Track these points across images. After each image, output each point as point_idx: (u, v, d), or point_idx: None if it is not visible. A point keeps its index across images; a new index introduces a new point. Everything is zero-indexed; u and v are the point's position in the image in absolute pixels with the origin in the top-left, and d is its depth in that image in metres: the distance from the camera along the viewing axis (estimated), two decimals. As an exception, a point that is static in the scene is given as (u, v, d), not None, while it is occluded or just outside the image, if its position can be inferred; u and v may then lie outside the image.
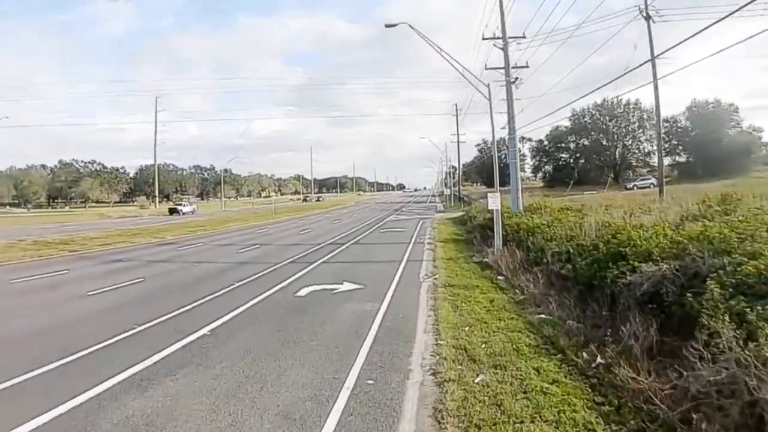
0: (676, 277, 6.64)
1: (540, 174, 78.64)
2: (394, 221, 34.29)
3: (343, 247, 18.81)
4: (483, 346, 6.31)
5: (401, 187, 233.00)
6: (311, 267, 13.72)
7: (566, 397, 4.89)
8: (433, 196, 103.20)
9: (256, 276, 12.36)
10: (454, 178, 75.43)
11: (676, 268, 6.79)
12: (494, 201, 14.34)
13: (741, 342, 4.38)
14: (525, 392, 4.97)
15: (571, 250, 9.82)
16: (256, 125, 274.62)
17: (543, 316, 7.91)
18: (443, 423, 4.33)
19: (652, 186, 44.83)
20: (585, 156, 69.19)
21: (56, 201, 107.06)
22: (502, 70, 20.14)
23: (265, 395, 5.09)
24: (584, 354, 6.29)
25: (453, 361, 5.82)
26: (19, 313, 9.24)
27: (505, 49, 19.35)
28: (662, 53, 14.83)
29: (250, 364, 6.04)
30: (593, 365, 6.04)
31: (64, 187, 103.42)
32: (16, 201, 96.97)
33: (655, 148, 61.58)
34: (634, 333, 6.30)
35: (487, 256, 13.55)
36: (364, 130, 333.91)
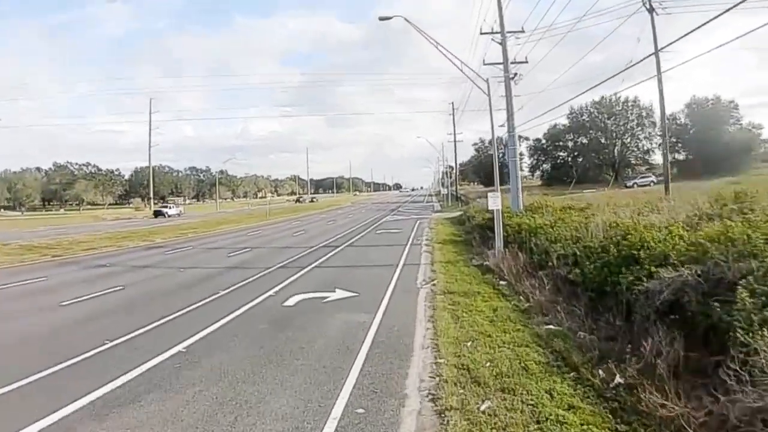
0: (698, 283, 5.98)
1: (538, 173, 78.09)
2: (390, 222, 33.60)
3: (337, 249, 18.09)
4: (488, 364, 5.62)
5: (398, 186, 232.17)
6: (303, 272, 13.01)
7: (586, 427, 4.23)
8: (430, 195, 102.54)
9: (244, 283, 11.64)
10: (451, 177, 74.79)
11: (698, 273, 6.13)
12: (495, 200, 13.66)
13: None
14: (538, 422, 4.32)
15: (578, 253, 9.21)
16: (254, 126, 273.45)
17: (551, 326, 7.24)
18: (445, 467, 3.66)
19: (652, 184, 44.38)
20: (583, 154, 68.63)
21: (51, 204, 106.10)
22: (501, 66, 19.50)
23: (238, 428, 4.41)
24: (600, 372, 5.63)
25: (455, 384, 5.13)
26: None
27: (503, 43, 18.69)
28: (666, 46, 14.22)
29: (226, 388, 5.34)
30: (611, 385, 5.38)
31: (58, 189, 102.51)
32: (11, 204, 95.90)
33: (654, 145, 61.28)
34: (657, 348, 5.66)
35: (487, 258, 12.88)
36: (361, 130, 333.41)
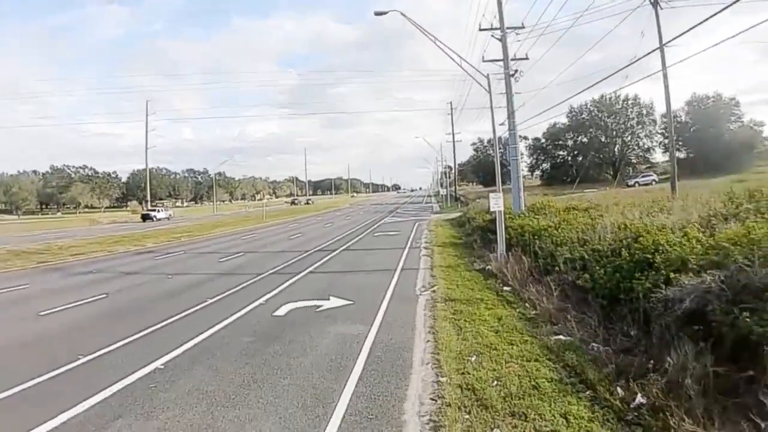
0: (722, 290, 5.44)
1: (537, 172, 77.58)
2: (388, 223, 33.01)
3: (334, 253, 17.49)
4: (495, 384, 5.06)
5: (396, 187, 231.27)
6: (296, 278, 12.40)
7: (610, 461, 3.67)
8: (429, 196, 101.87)
9: (233, 290, 11.04)
10: (449, 177, 74.14)
11: (721, 279, 5.58)
12: (496, 201, 13.08)
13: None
14: (555, 456, 3.75)
15: (587, 256, 8.69)
16: (252, 128, 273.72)
17: (561, 337, 6.69)
18: None
19: (654, 183, 43.88)
20: (583, 153, 68.10)
21: (48, 207, 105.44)
22: (500, 63, 18.95)
23: (213, 464, 3.85)
24: (619, 390, 5.09)
25: (459, 407, 4.56)
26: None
27: (503, 39, 18.16)
28: (671, 40, 13.64)
29: (203, 413, 4.78)
30: (632, 405, 4.84)
31: (54, 192, 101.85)
32: (8, 208, 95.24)
33: (655, 143, 60.83)
34: (682, 364, 5.11)
35: (489, 262, 12.31)
36: (360, 131, 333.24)
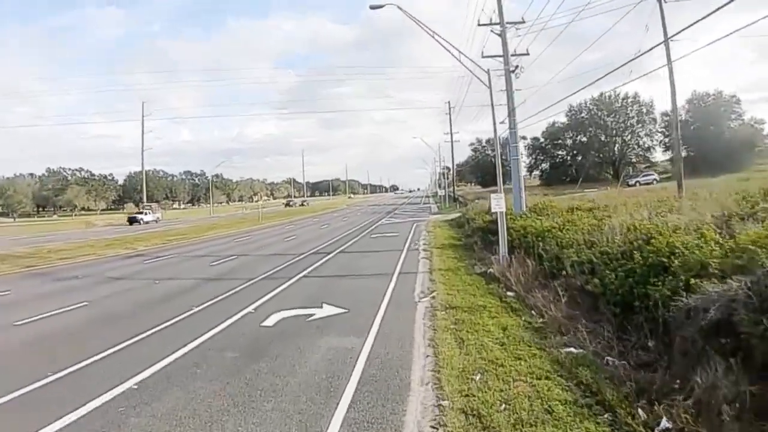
0: (748, 297, 4.91)
1: (536, 172, 76.99)
2: (386, 225, 32.45)
3: (329, 256, 16.91)
4: (503, 408, 4.50)
5: (394, 188, 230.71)
6: (289, 283, 11.82)
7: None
8: (427, 197, 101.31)
9: (222, 297, 10.46)
10: (447, 178, 73.56)
11: (747, 285, 5.05)
12: (498, 202, 12.54)
13: None
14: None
15: (595, 259, 8.17)
16: (250, 129, 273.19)
17: (573, 350, 6.15)
18: None
19: (654, 182, 43.42)
20: (583, 153, 67.59)
21: (44, 210, 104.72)
22: (500, 59, 18.42)
23: None
24: (641, 412, 4.56)
25: (463, 438, 4.02)
26: None
27: (503, 34, 17.62)
28: (676, 34, 13.14)
29: (175, 444, 4.22)
30: (657, 430, 4.31)
31: (50, 195, 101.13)
32: (4, 211, 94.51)
33: (655, 142, 60.35)
34: (712, 383, 4.58)
35: (491, 265, 11.77)
36: (358, 131, 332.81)
